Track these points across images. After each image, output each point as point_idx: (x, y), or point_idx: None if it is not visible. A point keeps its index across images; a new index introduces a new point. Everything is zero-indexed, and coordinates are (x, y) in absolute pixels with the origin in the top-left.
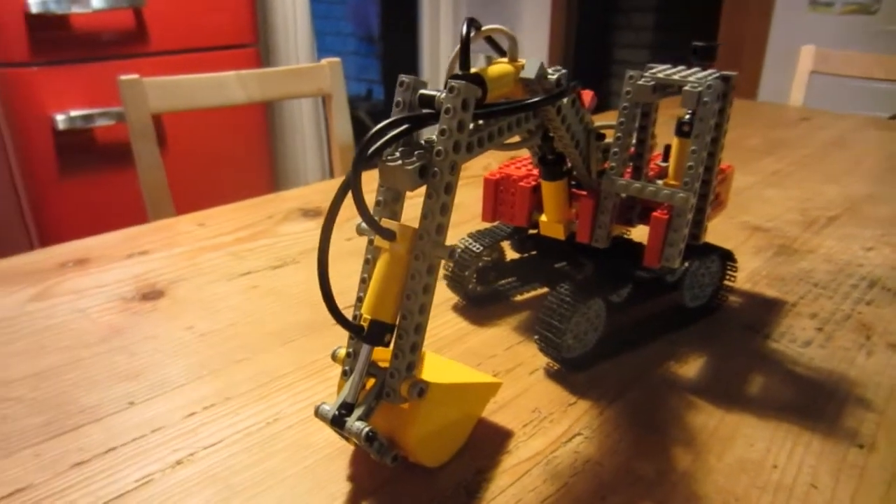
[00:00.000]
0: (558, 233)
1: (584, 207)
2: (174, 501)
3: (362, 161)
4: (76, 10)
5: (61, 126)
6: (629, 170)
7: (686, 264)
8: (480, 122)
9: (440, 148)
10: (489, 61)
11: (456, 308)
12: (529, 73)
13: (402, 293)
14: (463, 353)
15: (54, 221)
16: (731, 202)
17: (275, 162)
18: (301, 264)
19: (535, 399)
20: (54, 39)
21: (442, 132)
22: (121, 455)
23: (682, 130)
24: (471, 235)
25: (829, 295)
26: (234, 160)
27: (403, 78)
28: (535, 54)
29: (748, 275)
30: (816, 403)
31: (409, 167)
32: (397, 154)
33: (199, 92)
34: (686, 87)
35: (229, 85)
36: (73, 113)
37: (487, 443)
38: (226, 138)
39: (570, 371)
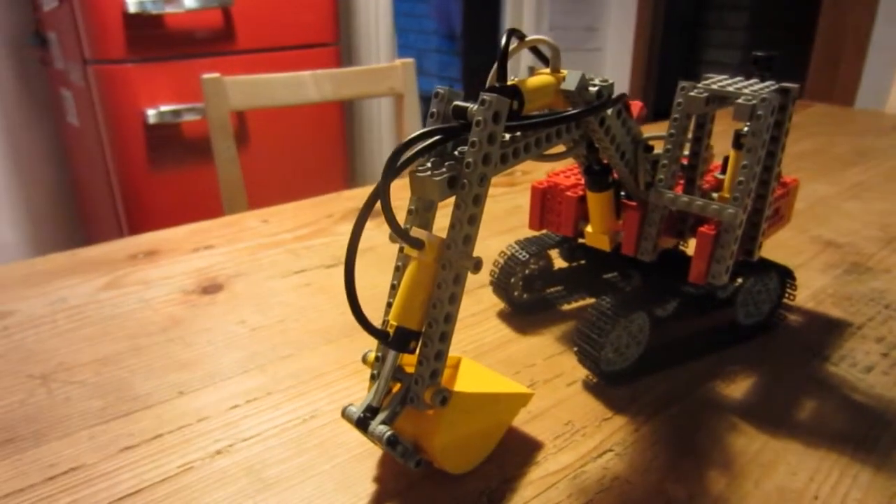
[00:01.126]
0: (603, 244)
1: (630, 219)
2: (210, 489)
3: (392, 171)
4: (170, 9)
5: (152, 120)
6: (682, 181)
7: (740, 281)
8: (518, 133)
9: (470, 160)
10: (532, 72)
11: (501, 315)
12: (570, 85)
13: (429, 301)
14: (502, 361)
15: (143, 211)
16: (806, 215)
17: (351, 161)
18: (356, 264)
19: (570, 411)
20: (149, 37)
21: (472, 144)
22: (167, 442)
23: (740, 143)
24: (518, 242)
25: None
26: (311, 158)
27: (439, 89)
28: (619, 54)
29: (813, 293)
30: (871, 434)
31: (438, 178)
32: (428, 164)
33: (276, 90)
34: (739, 101)
35: (305, 84)
36: (163, 108)
37: (516, 453)
38: (303, 136)
39: (610, 385)
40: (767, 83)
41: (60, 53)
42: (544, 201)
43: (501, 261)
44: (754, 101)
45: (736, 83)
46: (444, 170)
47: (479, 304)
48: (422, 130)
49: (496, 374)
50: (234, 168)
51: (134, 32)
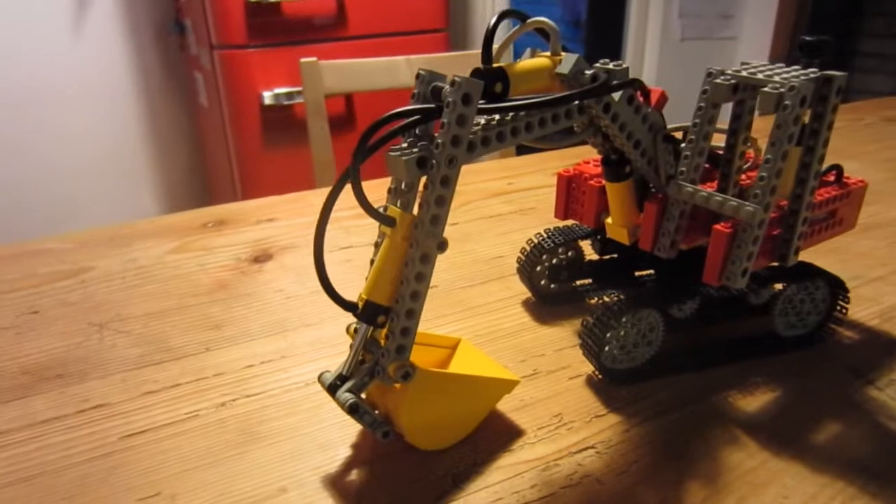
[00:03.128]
0: (622, 237)
1: (649, 213)
2: (204, 436)
3: (362, 152)
4: None
5: (267, 101)
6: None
7: (780, 287)
8: (506, 116)
9: (439, 141)
10: (533, 54)
11: (525, 303)
12: (564, 68)
13: (398, 278)
14: (512, 347)
15: (256, 186)
16: None
17: None
18: None
19: (563, 404)
20: (267, 24)
21: (442, 125)
22: (183, 390)
23: None
24: (547, 231)
25: None
26: None
27: (420, 70)
28: (756, 44)
29: (883, 309)
30: (892, 467)
31: (406, 158)
32: (404, 145)
33: (370, 75)
34: (765, 89)
35: (399, 68)
36: (278, 91)
37: (495, 438)
38: None
39: (614, 383)
40: (809, 70)
41: (194, 40)
42: (569, 190)
43: (528, 248)
44: (781, 90)
45: (772, 70)
46: (415, 150)
47: (508, 291)
48: (393, 112)
49: (488, 359)
50: (327, 148)
51: (254, 20)
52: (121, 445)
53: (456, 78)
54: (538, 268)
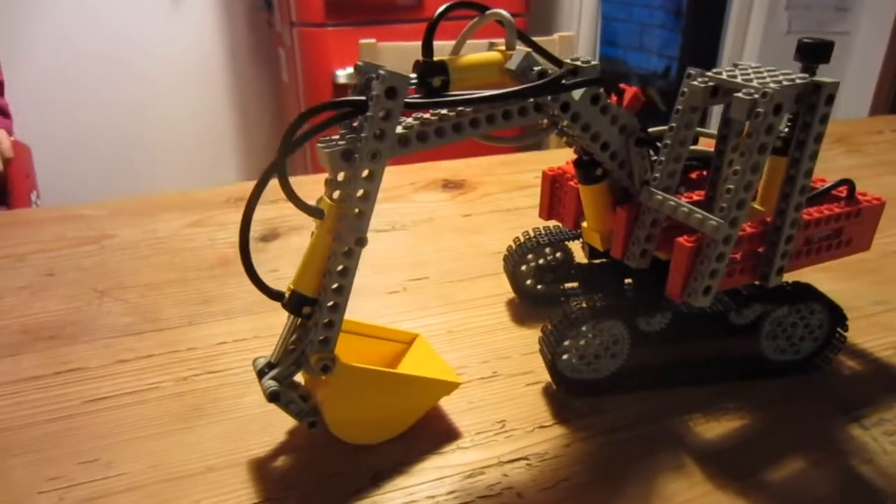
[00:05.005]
0: (597, 242)
1: (619, 219)
2: (159, 408)
3: (288, 145)
4: None
5: (340, 80)
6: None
7: (766, 308)
8: (450, 111)
9: (364, 134)
10: (491, 47)
11: (510, 301)
12: (511, 64)
13: (324, 271)
14: (479, 346)
15: None
16: None
17: None
18: (407, 231)
19: (511, 411)
20: (346, 4)
21: (366, 119)
22: (154, 361)
23: (776, 146)
24: (536, 230)
25: None
26: None
27: (358, 62)
28: (871, 39)
29: None
30: None
31: (328, 150)
32: (335, 137)
33: None
34: (738, 94)
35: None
36: (350, 70)
37: (429, 439)
38: None
39: (570, 394)
40: (796, 76)
41: (278, 17)
42: (553, 189)
43: (514, 246)
44: (755, 96)
45: (759, 73)
46: (342, 143)
47: (498, 288)
48: (320, 104)
49: (438, 358)
50: None
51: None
52: (83, 409)
53: (381, 71)
54: (523, 267)
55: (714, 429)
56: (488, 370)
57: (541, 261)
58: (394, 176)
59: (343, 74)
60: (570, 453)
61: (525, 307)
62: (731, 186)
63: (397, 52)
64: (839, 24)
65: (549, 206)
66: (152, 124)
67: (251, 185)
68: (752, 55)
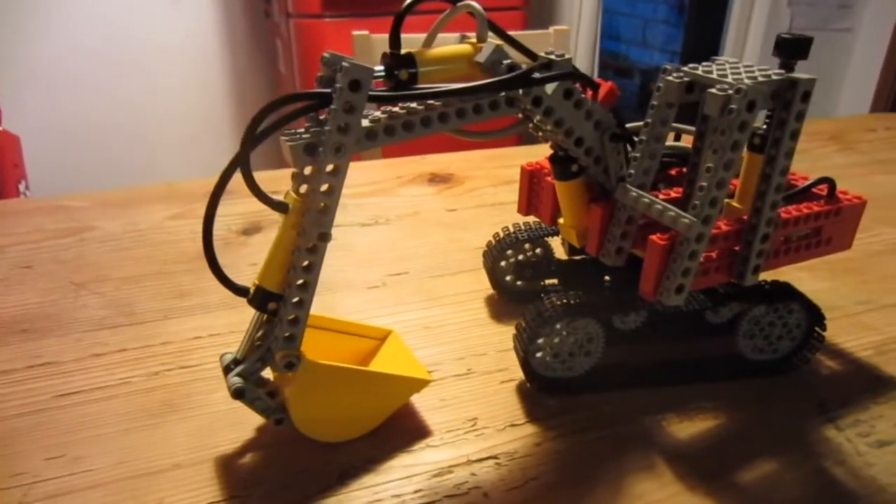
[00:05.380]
0: (573, 238)
1: (594, 216)
2: (129, 403)
3: (252, 139)
4: None
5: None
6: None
7: (746, 306)
8: (419, 105)
9: (327, 128)
10: (463, 40)
11: (489, 298)
12: (480, 57)
13: (289, 266)
14: (455, 343)
15: None
16: None
17: None
18: (391, 226)
19: (483, 408)
20: None
21: (331, 112)
22: (127, 356)
23: (753, 143)
24: (516, 225)
25: None
26: None
27: (325, 54)
28: (874, 37)
29: (883, 340)
30: None
31: (292, 143)
32: (300, 131)
33: None
34: (712, 90)
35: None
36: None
37: (400, 436)
38: None
39: (544, 392)
40: (773, 72)
41: (276, 8)
42: (531, 185)
43: (494, 241)
44: (729, 92)
45: (730, 69)
46: (306, 136)
47: (478, 284)
48: (284, 96)
49: (410, 355)
50: None
51: None
52: (52, 404)
53: (344, 63)
54: (502, 263)
55: (688, 428)
56: (463, 367)
57: (520, 257)
58: (380, 170)
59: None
60: (540, 452)
61: (504, 303)
62: (704, 184)
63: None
64: (841, 21)
65: (528, 202)
66: (148, 115)
67: (237, 178)
68: (754, 51)
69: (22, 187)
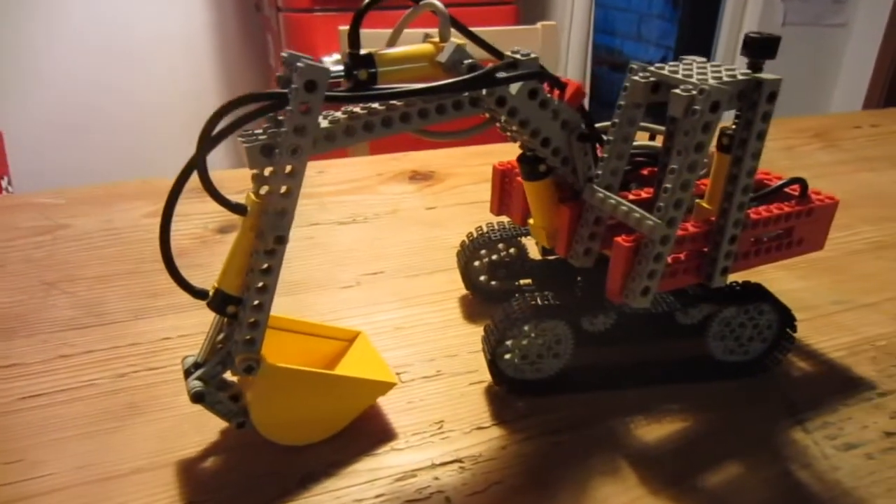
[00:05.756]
0: (542, 239)
1: (562, 217)
2: (94, 405)
3: (208, 140)
4: None
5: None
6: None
7: (716, 308)
8: (380, 105)
9: (284, 129)
10: (426, 39)
11: (463, 297)
12: (441, 57)
13: (247, 269)
14: (425, 343)
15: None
16: None
17: None
18: (368, 224)
19: (450, 411)
20: None
21: (286, 113)
22: (94, 357)
23: (722, 143)
24: (489, 225)
25: None
26: None
27: (283, 53)
28: (868, 32)
29: (856, 341)
30: None
31: (248, 145)
32: (258, 131)
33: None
34: (675, 90)
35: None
36: (337, 56)
37: (365, 439)
38: None
39: (513, 394)
40: (740, 72)
41: (266, 1)
42: (503, 184)
43: (467, 241)
44: (693, 93)
45: (697, 69)
46: (263, 137)
47: (452, 284)
48: (241, 96)
49: (377, 357)
50: None
51: None
52: (16, 406)
53: (299, 63)
54: (476, 263)
55: (655, 431)
56: (432, 369)
57: (494, 256)
58: (362, 167)
59: (329, 61)
60: (505, 456)
61: (477, 304)
62: (668, 185)
63: (378, 39)
64: (835, 17)
65: (500, 202)
66: (138, 110)
67: (221, 172)
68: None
69: (4, 183)
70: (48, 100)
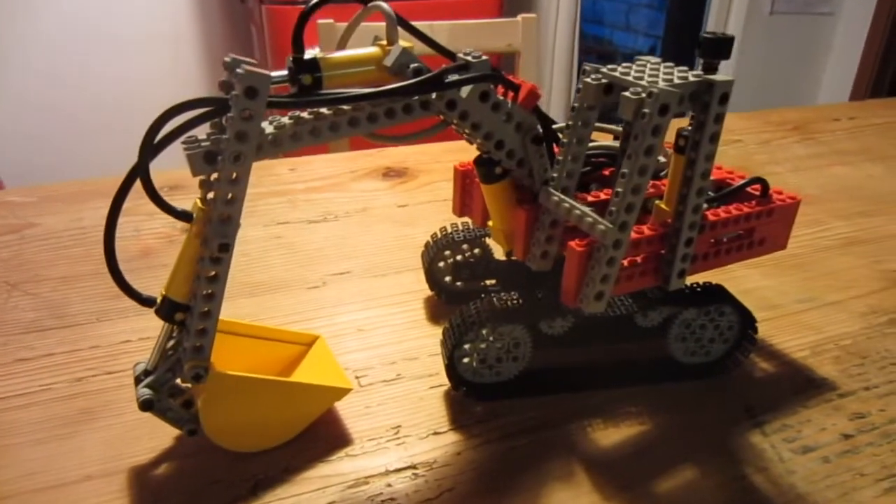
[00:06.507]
0: (502, 242)
1: (518, 220)
2: (48, 410)
3: (150, 147)
4: None
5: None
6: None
7: (675, 310)
8: (328, 110)
9: (226, 136)
10: (375, 42)
11: (429, 298)
12: (387, 61)
13: (194, 276)
14: (387, 346)
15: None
16: (890, 244)
17: None
18: (338, 222)
19: (408, 416)
20: None
21: (228, 120)
22: (54, 361)
23: (679, 145)
24: (454, 226)
25: None
26: None
27: (225, 58)
28: (855, 21)
29: (820, 340)
30: None
31: (191, 152)
32: (201, 137)
33: None
34: (626, 93)
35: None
36: (317, 49)
37: (320, 445)
38: None
39: (470, 397)
40: (692, 74)
41: None
42: (464, 185)
43: (431, 241)
44: (643, 95)
45: (649, 71)
46: (206, 144)
47: (418, 284)
48: (181, 102)
49: (333, 362)
50: None
51: None
52: None
53: (239, 69)
54: (440, 263)
55: (612, 435)
56: (392, 372)
57: (458, 257)
58: (336, 163)
59: (312, 54)
60: (459, 462)
61: (442, 305)
62: (619, 190)
63: (357, 33)
64: (823, 5)
65: (462, 203)
66: (120, 103)
67: (187, 172)
68: (735, 36)
69: None
70: (28, 95)
